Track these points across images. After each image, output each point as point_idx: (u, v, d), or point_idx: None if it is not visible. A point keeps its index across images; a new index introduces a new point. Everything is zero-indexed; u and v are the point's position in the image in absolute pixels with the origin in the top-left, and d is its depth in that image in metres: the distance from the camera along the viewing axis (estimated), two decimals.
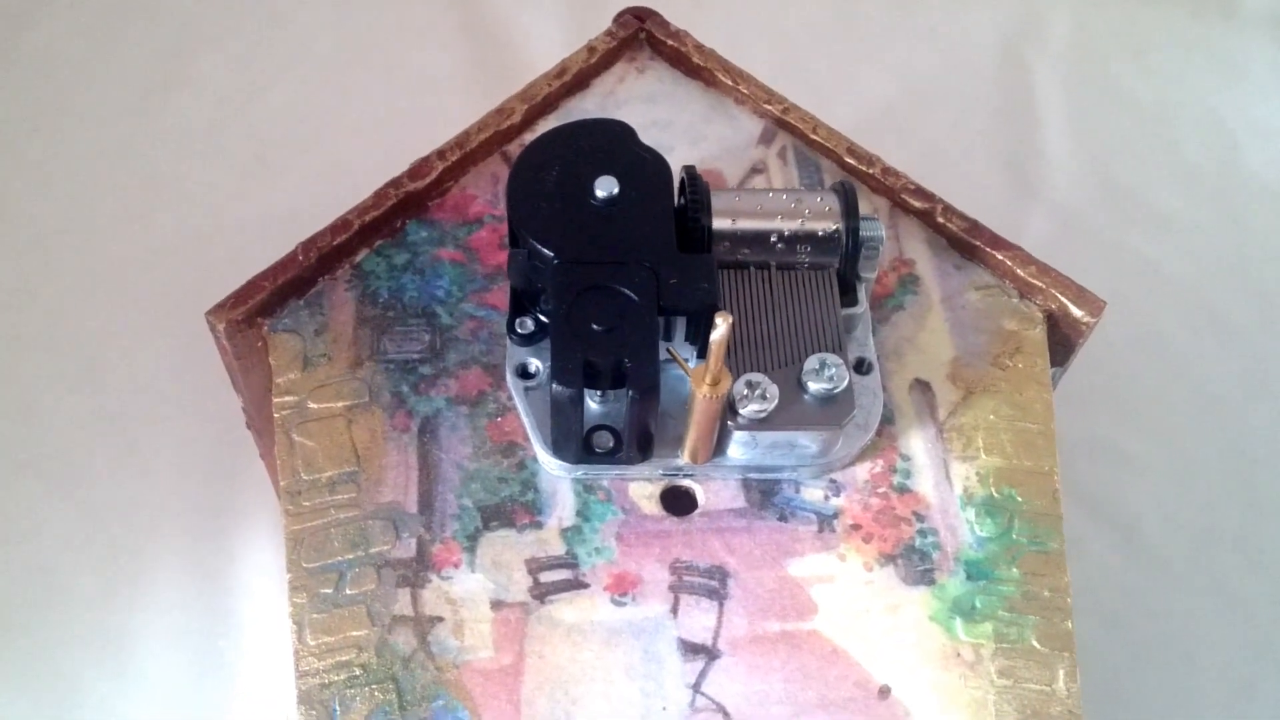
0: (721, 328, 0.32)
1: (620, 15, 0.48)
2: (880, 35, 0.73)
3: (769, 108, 0.46)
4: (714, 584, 0.37)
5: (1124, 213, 0.67)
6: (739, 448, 0.37)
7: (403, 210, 0.43)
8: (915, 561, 0.37)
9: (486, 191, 0.45)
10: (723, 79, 0.47)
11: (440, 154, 0.44)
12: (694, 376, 0.35)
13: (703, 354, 0.37)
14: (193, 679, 0.52)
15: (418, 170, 0.44)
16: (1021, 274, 0.42)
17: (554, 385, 0.35)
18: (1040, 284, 0.42)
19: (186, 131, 0.66)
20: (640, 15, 0.48)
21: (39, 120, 0.66)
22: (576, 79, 0.47)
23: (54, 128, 0.65)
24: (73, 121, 0.66)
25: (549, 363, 0.39)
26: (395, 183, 0.43)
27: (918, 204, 0.44)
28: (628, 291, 0.36)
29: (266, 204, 0.63)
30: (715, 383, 0.34)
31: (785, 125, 0.46)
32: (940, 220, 0.44)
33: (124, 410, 0.56)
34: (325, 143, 0.66)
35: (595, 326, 0.35)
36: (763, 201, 0.39)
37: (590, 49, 0.47)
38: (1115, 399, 0.60)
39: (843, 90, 0.68)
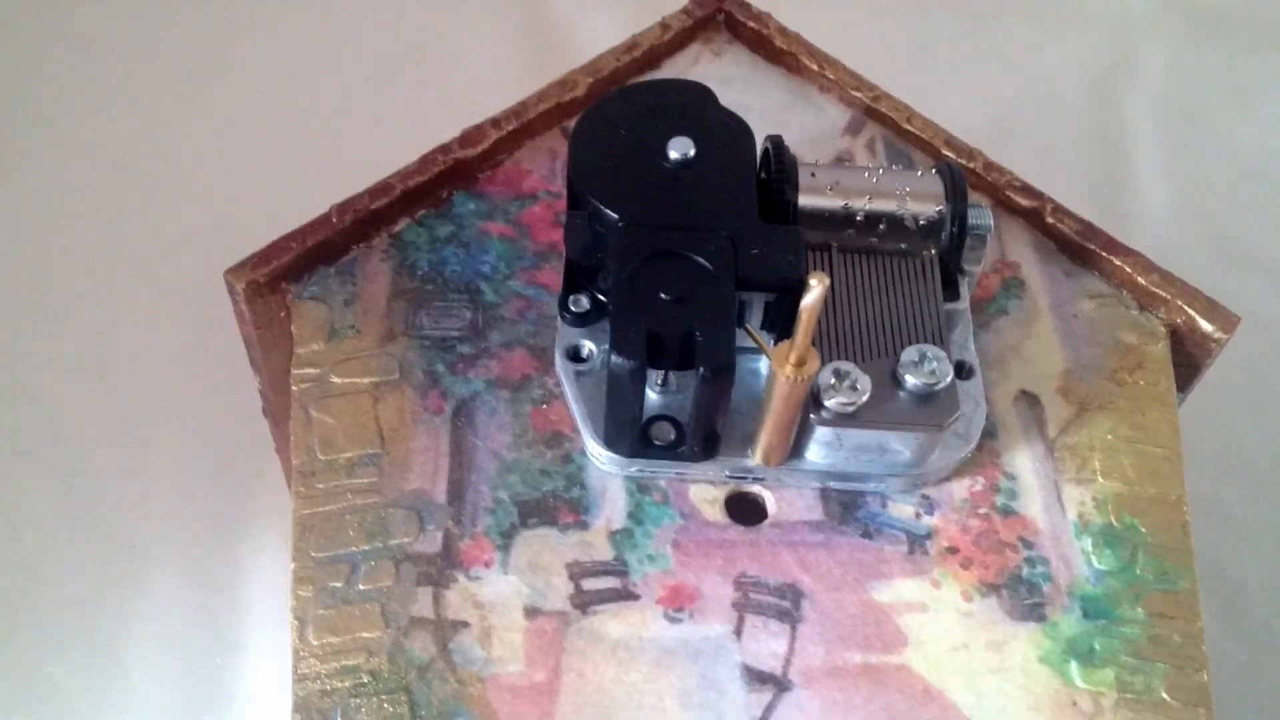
0: (816, 290, 0.27)
1: None
2: (963, 64, 0.69)
3: (858, 95, 0.42)
4: (785, 604, 0.32)
5: (1226, 258, 0.62)
6: (819, 449, 0.32)
7: (450, 179, 0.39)
8: (1022, 594, 0.32)
9: (543, 167, 0.40)
10: (808, 64, 0.43)
11: (495, 122, 0.40)
12: (775, 356, 0.30)
13: (783, 339, 0.32)
14: (184, 699, 0.47)
15: (469, 137, 0.40)
16: (1143, 282, 0.37)
17: (612, 358, 0.30)
18: (1164, 294, 0.37)
19: (225, 120, 0.63)
20: None
21: (76, 100, 0.63)
22: (647, 56, 0.43)
23: (91, 109, 0.62)
24: (111, 104, 0.63)
25: (604, 345, 0.34)
26: (444, 148, 0.39)
27: (1024, 202, 0.39)
28: (701, 260, 0.32)
29: (304, 196, 0.58)
30: (801, 363, 0.29)
31: (875, 114, 0.42)
32: (1050, 221, 0.39)
33: (128, 397, 0.52)
34: (369, 136, 0.62)
35: (663, 295, 0.31)
36: (858, 179, 0.35)
37: (664, 25, 0.44)
38: (1219, 454, 0.54)
39: None
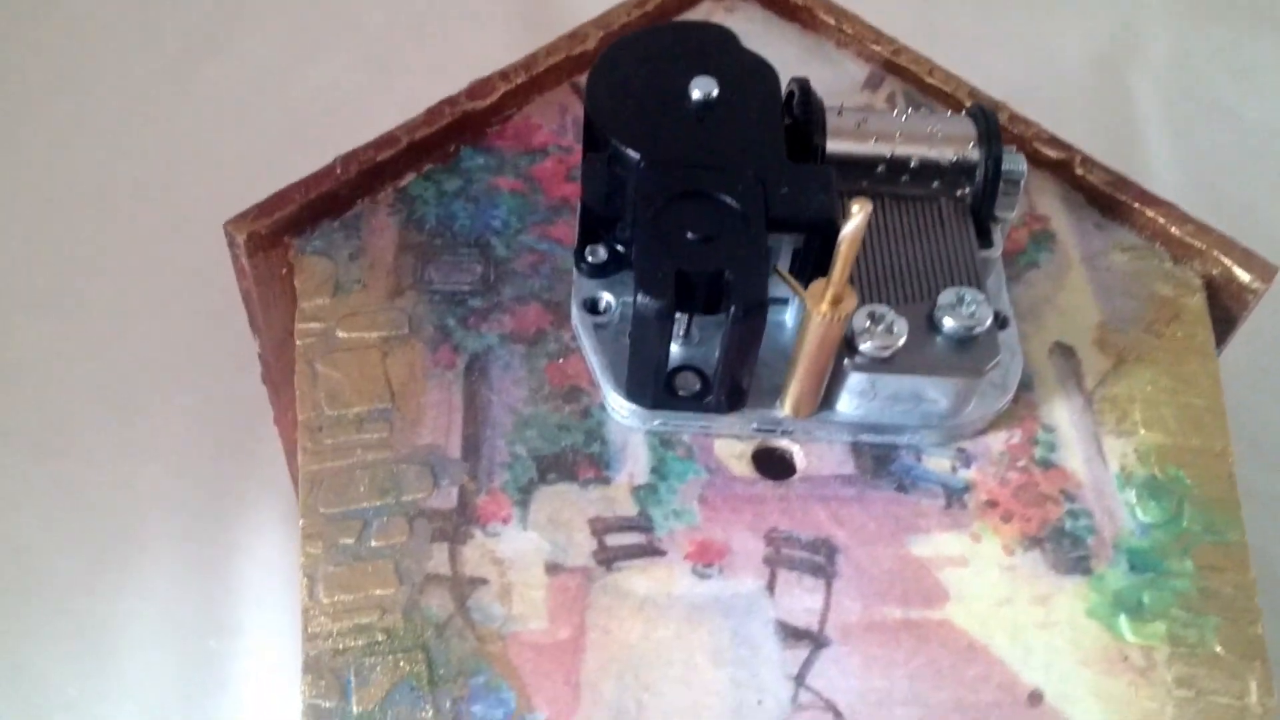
0: (858, 217, 0.26)
1: None
2: (967, 45, 0.67)
3: (877, 49, 0.41)
4: (819, 560, 0.30)
5: (1239, 231, 0.60)
6: (851, 399, 0.31)
7: (457, 133, 0.38)
8: (1066, 547, 0.31)
9: (553, 121, 0.39)
10: (824, 18, 0.42)
11: (503, 75, 0.39)
12: (810, 295, 0.28)
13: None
14: (178, 683, 0.45)
15: (477, 90, 0.38)
16: (1177, 233, 0.36)
17: (638, 298, 0.28)
18: (1199, 245, 0.36)
19: (218, 102, 0.61)
20: None
21: (66, 81, 0.61)
22: (658, 11, 0.42)
23: (82, 90, 0.61)
24: (102, 85, 0.61)
25: (623, 297, 0.33)
26: (450, 101, 0.38)
27: (1053, 154, 0.38)
28: (729, 200, 0.30)
29: (301, 169, 0.57)
30: (838, 300, 0.28)
31: (895, 68, 0.41)
32: (1079, 173, 0.38)
33: (119, 372, 0.50)
34: (366, 120, 0.61)
35: (690, 235, 0.29)
36: (886, 121, 0.33)
37: None
38: (1243, 434, 0.53)
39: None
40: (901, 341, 0.30)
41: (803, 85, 0.34)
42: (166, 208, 0.55)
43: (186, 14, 0.64)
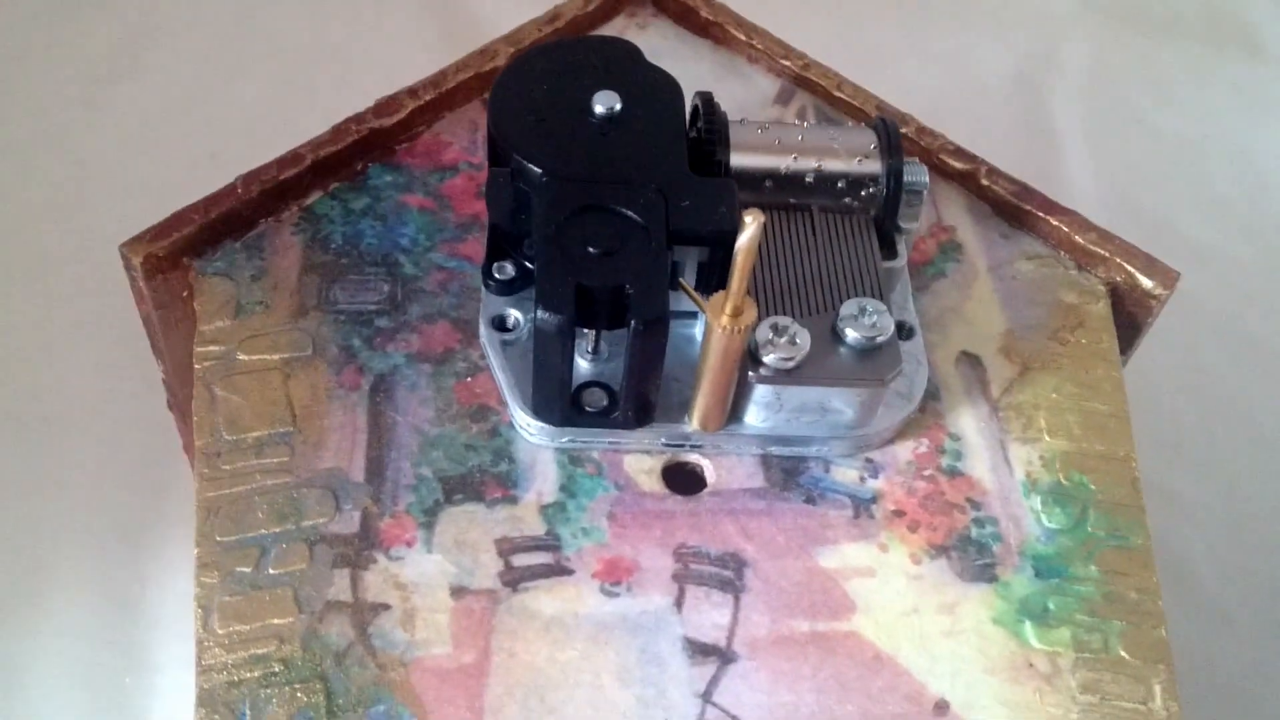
0: (751, 227, 0.26)
1: None
2: (887, 58, 0.69)
3: (786, 64, 0.41)
4: (728, 574, 0.30)
5: (1154, 242, 0.61)
6: (758, 411, 0.31)
7: (364, 150, 0.37)
8: (972, 555, 0.31)
9: (463, 138, 0.39)
10: (735, 34, 0.42)
11: (412, 92, 0.38)
12: (711, 308, 0.28)
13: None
14: None
15: (384, 107, 0.38)
16: (1080, 241, 0.37)
17: (539, 314, 0.28)
18: (1102, 252, 0.37)
19: (134, 124, 0.60)
20: None
21: None
22: (570, 27, 0.42)
23: None
24: (10, 106, 0.60)
25: (530, 314, 0.32)
26: (357, 118, 0.37)
27: (959, 165, 0.39)
28: (631, 213, 0.30)
29: (212, 183, 0.56)
30: (738, 312, 0.28)
31: (805, 83, 0.41)
32: (985, 183, 0.38)
33: (22, 398, 0.49)
34: (288, 141, 0.60)
35: (591, 250, 0.29)
36: (789, 134, 0.34)
37: None
38: (1156, 435, 0.54)
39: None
40: (804, 353, 0.30)
41: (706, 99, 0.34)
42: (74, 229, 0.54)
43: (96, 35, 0.63)
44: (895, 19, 0.70)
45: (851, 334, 0.30)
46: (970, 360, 0.35)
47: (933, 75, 0.68)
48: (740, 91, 0.42)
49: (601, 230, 0.30)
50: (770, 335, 0.30)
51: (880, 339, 0.30)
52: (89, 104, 0.60)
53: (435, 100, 0.39)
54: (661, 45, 0.43)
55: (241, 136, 0.60)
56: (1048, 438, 0.33)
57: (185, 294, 0.35)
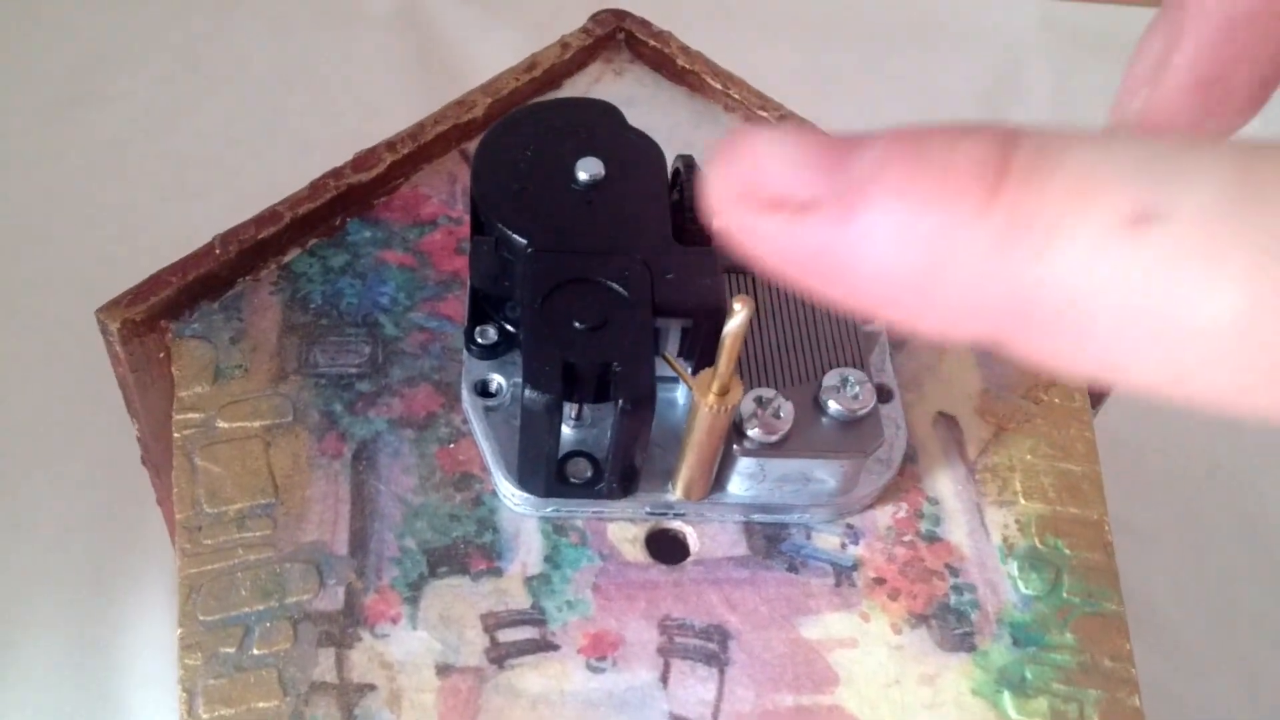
0: (740, 315, 0.26)
1: (598, 13, 0.43)
2: (854, 88, 0.69)
3: (763, 114, 0.41)
4: (712, 647, 0.30)
5: None
6: (742, 481, 0.31)
7: (343, 206, 0.37)
8: (952, 623, 0.31)
9: (442, 191, 0.38)
10: (711, 83, 0.42)
11: (390, 145, 0.38)
12: (697, 386, 0.28)
13: (701, 369, 0.31)
14: None
15: (363, 161, 0.38)
16: None
17: (526, 392, 0.28)
18: None
19: (97, 148, 0.59)
20: (619, 14, 0.43)
21: None
22: (546, 76, 0.42)
23: None
24: None
25: (514, 378, 0.32)
26: (336, 173, 0.37)
27: None
28: (616, 286, 0.30)
29: (186, 232, 0.55)
30: (724, 392, 0.28)
31: None
32: None
33: None
34: (256, 168, 0.59)
35: (577, 324, 0.29)
36: None
37: (563, 44, 0.42)
38: (1116, 468, 0.55)
39: None
40: (788, 427, 0.30)
41: (688, 162, 0.34)
42: (41, 273, 0.53)
43: (56, 60, 0.62)
44: (861, 50, 0.71)
45: (834, 406, 0.30)
46: (947, 421, 0.35)
47: (899, 102, 0.69)
48: (718, 139, 0.42)
49: (587, 303, 0.30)
50: (755, 409, 0.30)
51: (862, 411, 0.31)
52: (51, 129, 0.59)
53: (413, 153, 0.38)
54: (639, 93, 0.43)
55: (206, 161, 0.59)
56: (1023, 500, 0.34)
57: (162, 355, 0.34)
